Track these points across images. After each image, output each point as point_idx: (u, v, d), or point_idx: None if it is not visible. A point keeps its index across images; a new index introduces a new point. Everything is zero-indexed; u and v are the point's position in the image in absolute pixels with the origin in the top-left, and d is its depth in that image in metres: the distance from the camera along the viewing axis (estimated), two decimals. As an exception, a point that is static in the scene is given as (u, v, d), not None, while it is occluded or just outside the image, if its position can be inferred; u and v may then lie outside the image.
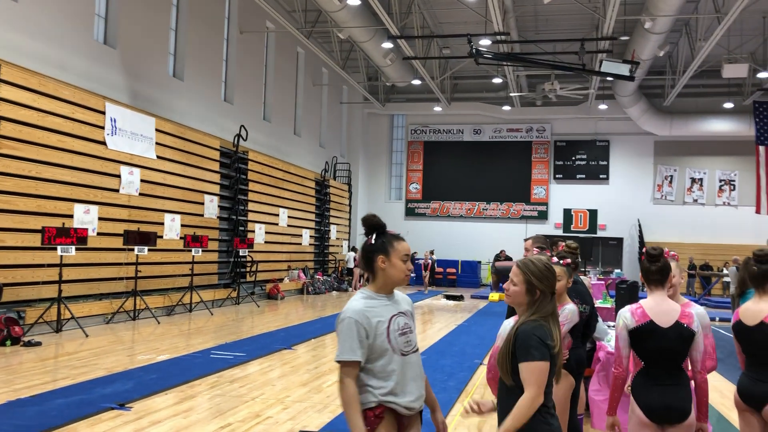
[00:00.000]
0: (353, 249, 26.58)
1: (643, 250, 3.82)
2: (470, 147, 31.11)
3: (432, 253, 26.88)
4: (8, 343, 9.71)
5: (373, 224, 3.03)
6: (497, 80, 26.87)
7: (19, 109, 11.09)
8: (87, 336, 10.85)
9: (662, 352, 3.56)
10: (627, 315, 3.66)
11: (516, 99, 27.86)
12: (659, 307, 3.62)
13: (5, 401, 6.49)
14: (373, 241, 2.99)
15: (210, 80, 18.44)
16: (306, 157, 25.31)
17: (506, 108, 29.21)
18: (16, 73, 11.11)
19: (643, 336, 3.58)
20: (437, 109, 29.53)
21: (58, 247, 10.91)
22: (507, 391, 2.88)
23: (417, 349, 3.01)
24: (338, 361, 2.85)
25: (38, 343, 9.91)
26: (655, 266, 3.67)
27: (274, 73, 22.75)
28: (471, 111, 30.25)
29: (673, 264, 4.07)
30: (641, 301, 3.73)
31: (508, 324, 3.70)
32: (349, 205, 29.65)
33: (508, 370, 2.88)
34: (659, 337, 3.56)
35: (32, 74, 11.52)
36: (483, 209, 30.90)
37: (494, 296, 21.83)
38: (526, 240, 5.59)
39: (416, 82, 25.97)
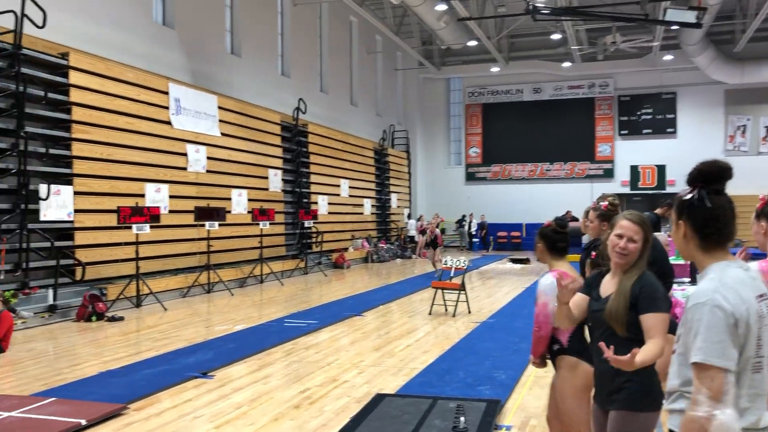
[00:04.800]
0: (418, 217, 26.62)
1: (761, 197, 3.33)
2: (530, 107, 30.48)
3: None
4: (94, 318, 10.20)
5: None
6: (556, 36, 26.11)
7: (87, 93, 11.48)
8: (166, 310, 11.28)
9: None
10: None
11: (576, 54, 27.04)
12: None
13: (97, 372, 6.84)
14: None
15: (267, 55, 18.59)
16: (364, 127, 25.34)
17: (566, 64, 28.40)
18: (83, 59, 11.47)
19: None
20: (494, 69, 28.98)
21: (134, 226, 11.33)
22: (617, 343, 2.78)
23: None
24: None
25: (121, 318, 10.37)
26: None
27: (328, 43, 22.75)
28: (530, 69, 29.55)
29: None
30: None
31: (546, 281, 3.64)
32: (409, 173, 29.60)
33: (623, 323, 2.86)
34: None
35: (98, 59, 11.87)
36: (546, 170, 30.33)
37: (561, 257, 21.48)
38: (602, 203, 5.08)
39: (472, 43, 25.49)
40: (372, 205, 24.65)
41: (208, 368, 6.97)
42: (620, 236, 2.93)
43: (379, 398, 5.61)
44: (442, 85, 31.86)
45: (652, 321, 2.81)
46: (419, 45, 27.50)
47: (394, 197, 27.01)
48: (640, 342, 2.77)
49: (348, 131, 23.10)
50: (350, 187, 22.51)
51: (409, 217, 27.97)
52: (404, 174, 28.91)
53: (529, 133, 30.39)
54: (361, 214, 23.62)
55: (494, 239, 28.67)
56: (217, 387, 6.31)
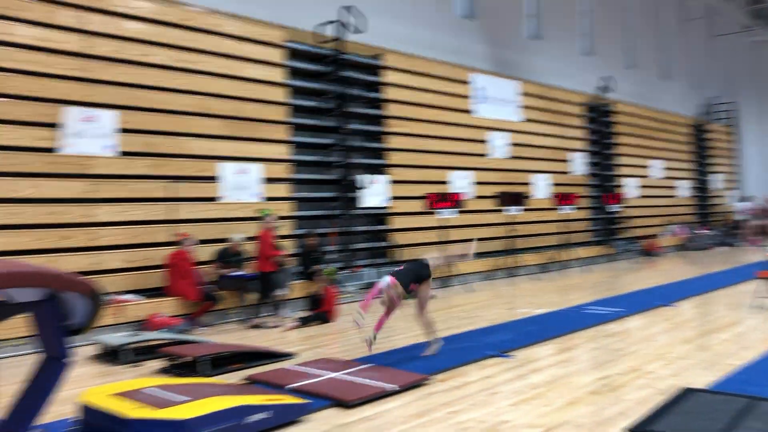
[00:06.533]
0: (743, 199, 23.66)
1: None
2: None
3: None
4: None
5: None
6: None
7: (399, 90, 12.50)
8: (472, 291, 11.79)
9: None
10: None
11: None
12: None
13: (407, 344, 7.48)
14: None
15: (568, 35, 18.19)
16: (677, 102, 23.27)
17: None
18: (394, 58, 12.52)
19: None
20: None
21: (439, 211, 12.04)
22: None
23: None
24: None
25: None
26: None
27: (635, 16, 21.35)
28: None
29: None
30: None
31: None
32: (736, 150, 26.40)
33: None
34: None
35: (407, 57, 12.84)
36: None
37: None
38: None
39: (814, -6, 21.74)
40: (690, 188, 22.55)
41: (507, 348, 7.13)
42: None
43: (686, 392, 5.18)
44: (775, 48, 27.76)
45: None
46: (745, 5, 24.28)
47: (717, 178, 24.35)
48: None
49: (659, 107, 21.46)
50: (662, 168, 20.92)
51: (743, 200, 24.55)
52: (728, 151, 25.87)
53: None
54: (675, 197, 21.79)
55: None
56: (516, 366, 6.43)
